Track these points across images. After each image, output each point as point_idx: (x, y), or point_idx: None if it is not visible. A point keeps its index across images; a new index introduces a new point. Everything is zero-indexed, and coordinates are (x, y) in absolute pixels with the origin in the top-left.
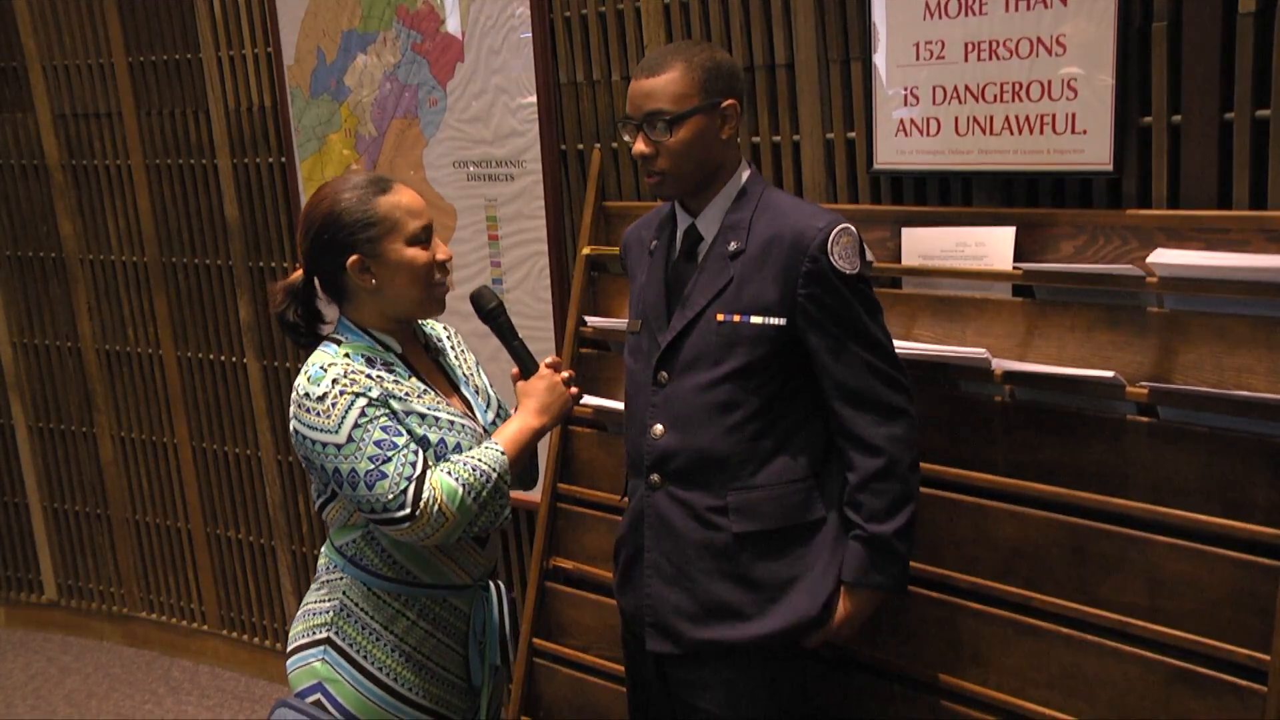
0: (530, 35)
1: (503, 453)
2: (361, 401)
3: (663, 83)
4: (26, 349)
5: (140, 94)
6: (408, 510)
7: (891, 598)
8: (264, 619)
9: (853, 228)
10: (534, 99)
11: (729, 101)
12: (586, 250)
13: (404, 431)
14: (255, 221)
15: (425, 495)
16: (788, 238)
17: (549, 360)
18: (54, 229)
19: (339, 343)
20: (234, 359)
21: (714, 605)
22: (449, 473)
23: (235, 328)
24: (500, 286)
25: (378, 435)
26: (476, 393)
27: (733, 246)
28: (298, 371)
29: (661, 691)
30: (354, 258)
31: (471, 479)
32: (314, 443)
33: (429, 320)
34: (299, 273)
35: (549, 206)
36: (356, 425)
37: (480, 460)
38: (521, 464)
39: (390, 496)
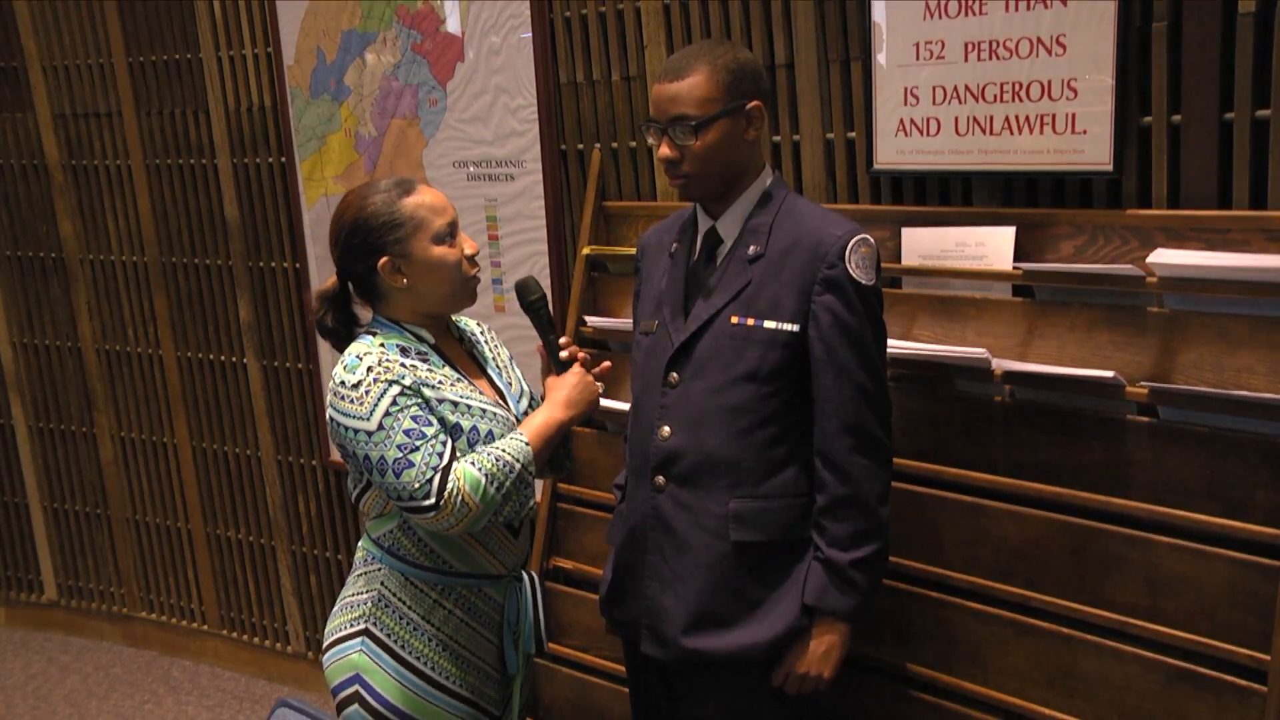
0: (530, 35)
1: (527, 444)
2: (394, 390)
3: (687, 87)
4: (26, 349)
5: (140, 94)
6: (432, 500)
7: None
8: (264, 619)
9: (872, 240)
10: (534, 99)
11: (754, 103)
12: (586, 250)
13: (434, 421)
14: (255, 221)
15: (450, 485)
16: (807, 244)
17: (580, 355)
18: (54, 229)
19: (374, 334)
20: (234, 359)
21: (703, 613)
22: (473, 463)
23: (235, 328)
24: (500, 287)
25: (407, 424)
26: (509, 383)
27: (752, 250)
28: (298, 372)
29: (666, 700)
30: (384, 259)
31: (495, 469)
32: (347, 429)
33: (462, 318)
34: (333, 280)
35: (549, 206)
36: (388, 414)
37: (504, 451)
38: (547, 456)
39: (416, 485)
